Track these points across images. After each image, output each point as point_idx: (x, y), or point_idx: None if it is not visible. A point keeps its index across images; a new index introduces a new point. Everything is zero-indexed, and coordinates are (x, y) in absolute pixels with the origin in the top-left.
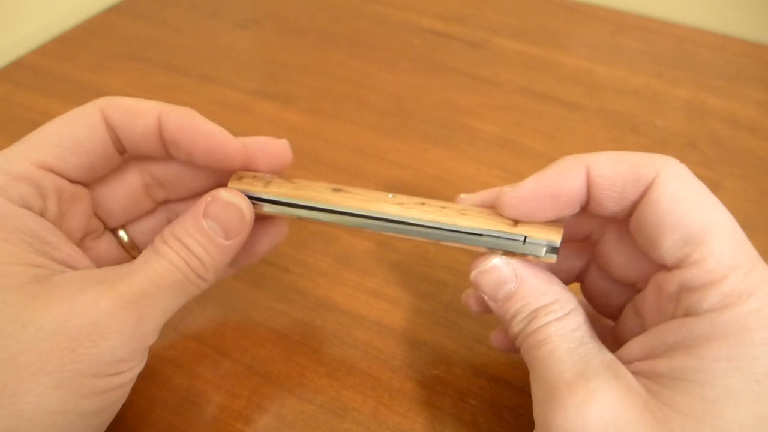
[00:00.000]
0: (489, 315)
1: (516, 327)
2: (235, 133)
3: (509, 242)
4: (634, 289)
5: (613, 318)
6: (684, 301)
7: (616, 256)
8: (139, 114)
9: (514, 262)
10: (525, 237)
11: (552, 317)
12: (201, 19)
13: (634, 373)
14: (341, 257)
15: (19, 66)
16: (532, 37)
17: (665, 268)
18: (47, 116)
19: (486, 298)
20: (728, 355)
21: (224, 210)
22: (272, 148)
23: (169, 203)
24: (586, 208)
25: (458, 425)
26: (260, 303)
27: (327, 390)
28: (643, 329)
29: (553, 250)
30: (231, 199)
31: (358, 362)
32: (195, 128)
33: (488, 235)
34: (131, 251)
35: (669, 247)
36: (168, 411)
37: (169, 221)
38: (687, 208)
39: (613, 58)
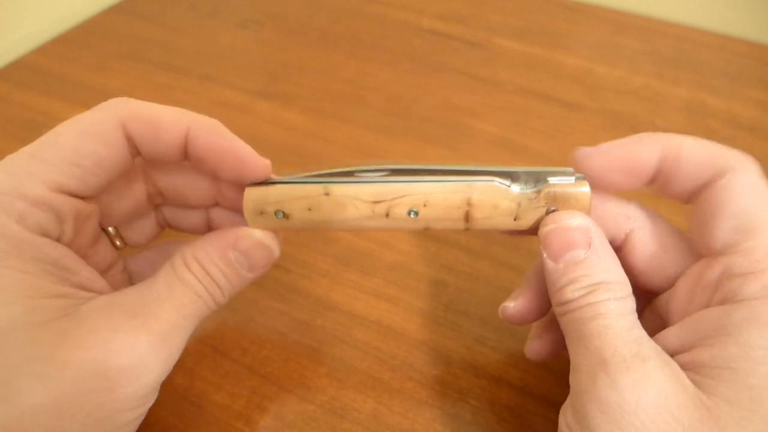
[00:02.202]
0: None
1: (570, 294)
2: (235, 133)
3: (539, 174)
4: (653, 294)
5: None
6: (724, 288)
7: (642, 259)
8: (164, 129)
9: (593, 229)
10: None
11: (612, 295)
12: (201, 19)
13: None
14: (341, 257)
15: (19, 66)
16: (532, 37)
17: (711, 254)
18: (47, 116)
19: (545, 256)
20: None
21: (255, 248)
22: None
23: (161, 205)
24: (652, 183)
25: (458, 425)
26: (260, 303)
27: (327, 390)
28: (662, 328)
29: (581, 178)
30: (264, 240)
31: (358, 362)
32: (224, 149)
33: (520, 171)
34: (115, 241)
35: (722, 231)
36: (168, 411)
37: (156, 219)
38: (750, 200)
39: (613, 58)
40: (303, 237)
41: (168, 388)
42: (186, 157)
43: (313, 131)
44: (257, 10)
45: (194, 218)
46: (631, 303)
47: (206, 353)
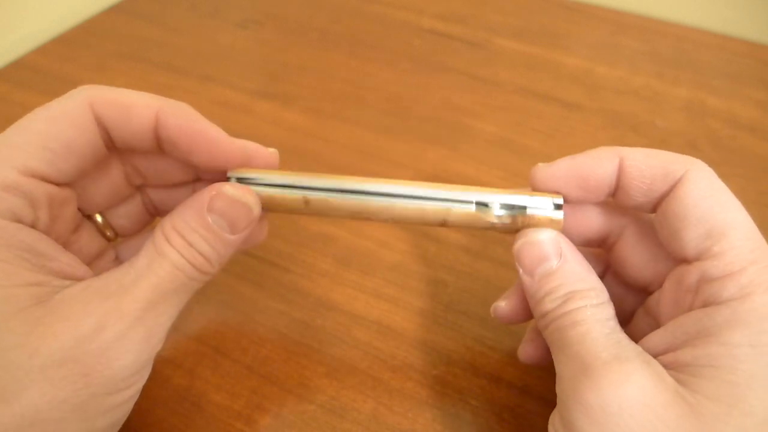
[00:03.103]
0: (492, 319)
1: (548, 305)
2: (235, 133)
3: (515, 198)
4: (646, 293)
5: (624, 324)
6: (703, 292)
7: (633, 258)
8: (134, 111)
9: (562, 241)
10: (531, 197)
11: (588, 302)
12: (201, 19)
13: None
14: (341, 257)
15: (19, 66)
16: (532, 37)
17: (685, 261)
18: None
19: (521, 272)
20: (750, 341)
21: (231, 206)
22: (262, 156)
23: (144, 187)
24: (613, 197)
25: (458, 425)
26: (260, 303)
27: (327, 390)
28: (655, 328)
29: (558, 207)
30: (238, 196)
31: (358, 362)
32: (195, 130)
33: (496, 199)
34: (105, 231)
35: (692, 239)
36: (168, 411)
37: (144, 204)
38: (711, 205)
39: (613, 58)
40: (303, 237)
41: (168, 388)
42: (158, 145)
43: (313, 131)
44: (257, 10)
45: (181, 196)
46: (608, 309)
47: (206, 353)
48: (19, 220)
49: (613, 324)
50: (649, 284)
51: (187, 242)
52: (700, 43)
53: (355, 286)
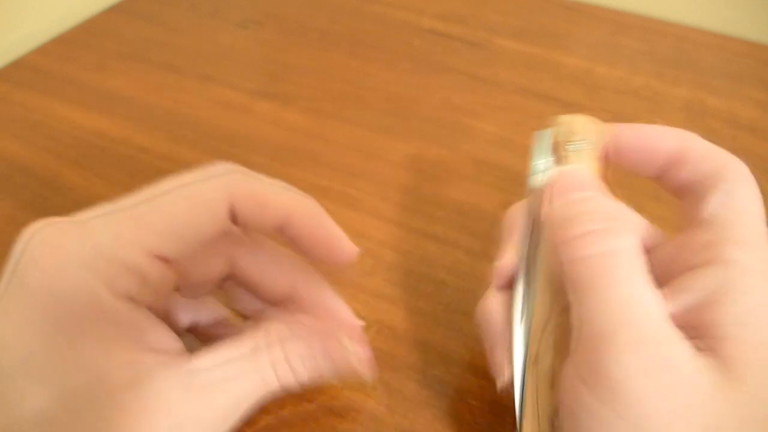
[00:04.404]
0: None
1: (586, 226)
2: (235, 133)
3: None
4: None
5: None
6: (715, 248)
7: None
8: (269, 212)
9: (599, 180)
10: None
11: (633, 241)
12: (201, 19)
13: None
14: None
15: (19, 66)
16: (532, 37)
17: (695, 222)
18: (47, 116)
19: (548, 203)
20: None
21: (344, 362)
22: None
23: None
24: (662, 173)
25: (458, 425)
26: None
27: (327, 390)
28: None
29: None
30: (356, 365)
31: None
32: (322, 236)
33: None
34: None
35: (711, 201)
36: None
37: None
38: (748, 220)
39: (613, 58)
40: None
41: None
42: (276, 232)
43: (313, 131)
44: (257, 10)
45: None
46: (641, 247)
47: None
48: (131, 299)
49: (644, 270)
50: None
51: (291, 367)
52: (700, 43)
53: (355, 286)
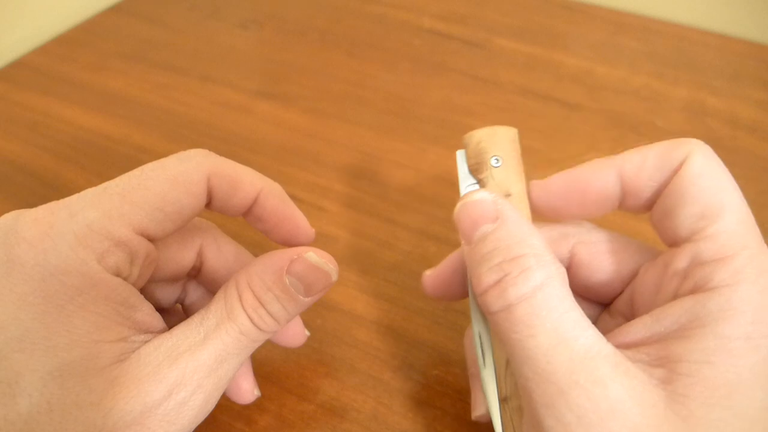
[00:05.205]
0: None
1: (486, 278)
2: (235, 134)
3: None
4: (602, 306)
5: None
6: (693, 276)
7: (593, 272)
8: (242, 188)
9: (501, 202)
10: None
11: (531, 281)
12: (201, 19)
13: (640, 360)
14: (341, 257)
15: (19, 66)
16: (532, 37)
17: (676, 244)
18: (47, 116)
19: (462, 242)
20: (746, 334)
21: (311, 271)
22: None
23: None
24: (621, 207)
25: (458, 425)
26: None
27: (327, 390)
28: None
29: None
30: (320, 263)
31: (358, 362)
32: (286, 215)
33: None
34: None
35: (686, 218)
36: None
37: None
38: (708, 184)
39: (613, 58)
40: None
41: None
42: (245, 214)
43: (313, 131)
44: (257, 10)
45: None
46: (557, 281)
47: None
48: (119, 274)
49: (568, 305)
50: (615, 292)
51: (260, 302)
52: (700, 43)
53: (355, 286)
